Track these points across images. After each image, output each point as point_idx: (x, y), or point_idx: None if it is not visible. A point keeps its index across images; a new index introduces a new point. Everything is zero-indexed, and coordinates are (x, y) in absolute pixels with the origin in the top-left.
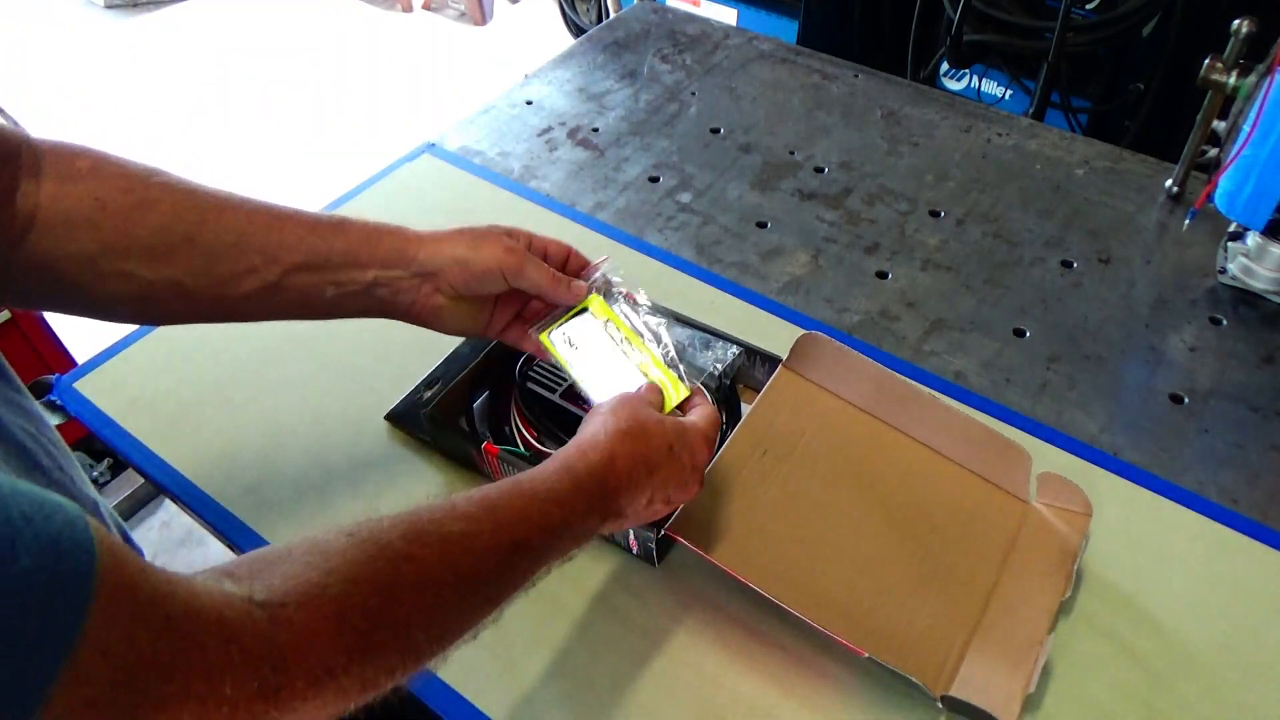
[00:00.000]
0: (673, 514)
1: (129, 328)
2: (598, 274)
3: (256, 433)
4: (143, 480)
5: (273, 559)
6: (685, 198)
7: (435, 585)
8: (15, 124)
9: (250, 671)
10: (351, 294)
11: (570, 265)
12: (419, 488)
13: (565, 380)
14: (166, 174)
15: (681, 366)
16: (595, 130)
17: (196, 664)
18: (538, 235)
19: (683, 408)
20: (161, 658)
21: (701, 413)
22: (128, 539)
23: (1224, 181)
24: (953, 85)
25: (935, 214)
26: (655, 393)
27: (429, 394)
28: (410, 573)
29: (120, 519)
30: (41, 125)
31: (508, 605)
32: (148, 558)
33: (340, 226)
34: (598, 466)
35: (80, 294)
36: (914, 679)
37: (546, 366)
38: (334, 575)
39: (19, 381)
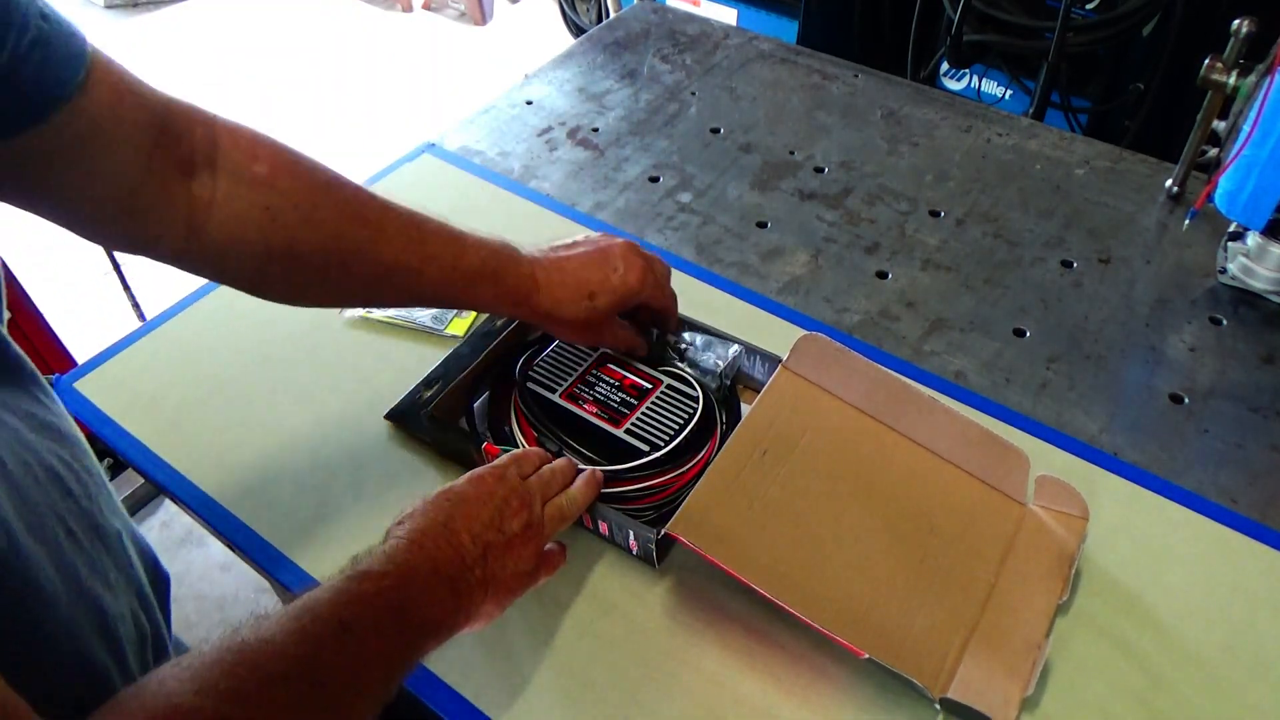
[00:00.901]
0: (673, 513)
1: (128, 327)
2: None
3: (256, 432)
4: (143, 480)
5: (151, 688)
6: (685, 198)
7: (282, 684)
8: None
9: None
10: (469, 306)
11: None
12: (419, 488)
13: (566, 380)
14: (337, 186)
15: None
16: (595, 130)
17: None
18: (661, 278)
19: None
20: None
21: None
22: (157, 565)
23: (1224, 181)
24: (953, 85)
25: (935, 214)
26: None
27: (429, 394)
28: (251, 681)
29: (152, 547)
30: None
31: (388, 693)
32: None
33: (479, 277)
34: (390, 548)
35: (244, 282)
36: (914, 680)
37: (546, 366)
38: (182, 697)
39: (59, 404)
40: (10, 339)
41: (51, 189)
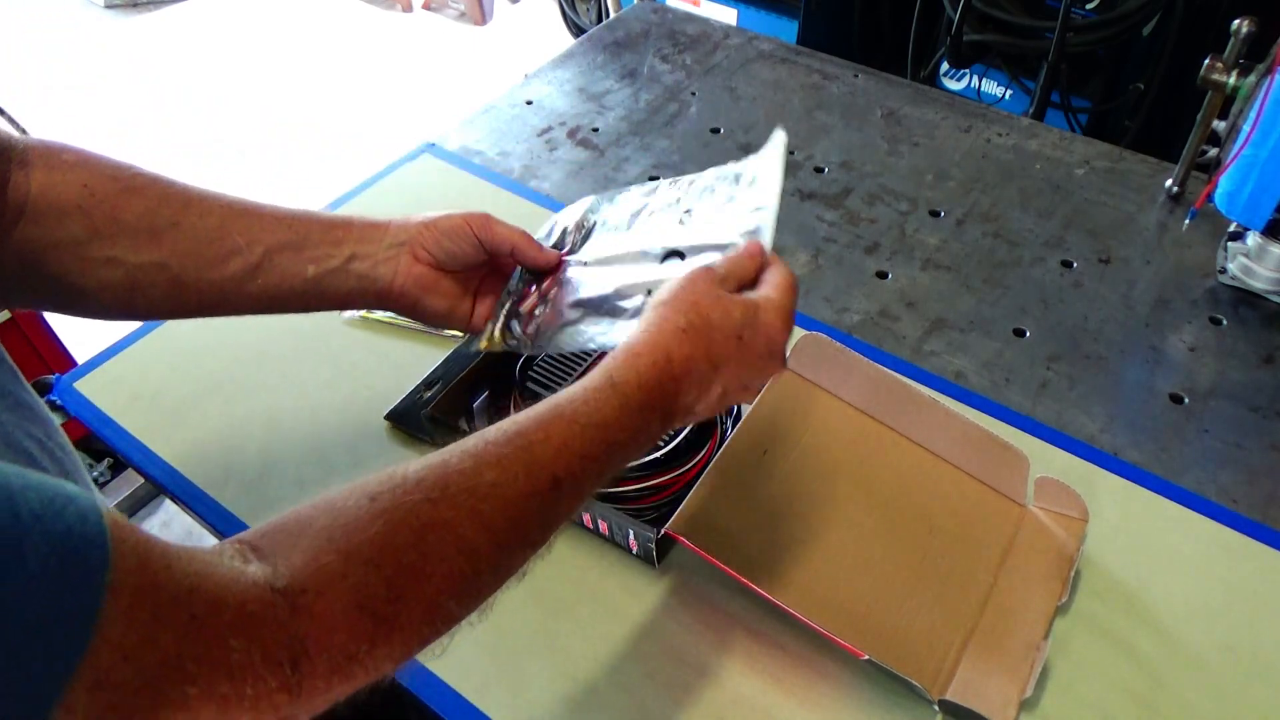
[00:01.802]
0: (673, 513)
1: (129, 327)
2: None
3: (256, 432)
4: (143, 480)
5: (296, 530)
6: None
7: (468, 549)
8: (15, 123)
9: (272, 668)
10: (331, 272)
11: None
12: None
13: (566, 380)
14: (146, 170)
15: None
16: (595, 130)
17: (220, 664)
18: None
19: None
20: (185, 659)
21: (774, 282)
22: None
23: (1224, 181)
24: (953, 85)
25: (935, 214)
26: (731, 264)
27: (429, 394)
28: (437, 542)
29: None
30: (42, 125)
31: (556, 538)
32: None
33: (313, 214)
34: (649, 376)
35: (69, 283)
36: (914, 682)
37: (547, 366)
38: (354, 559)
39: (27, 385)
40: None
41: None
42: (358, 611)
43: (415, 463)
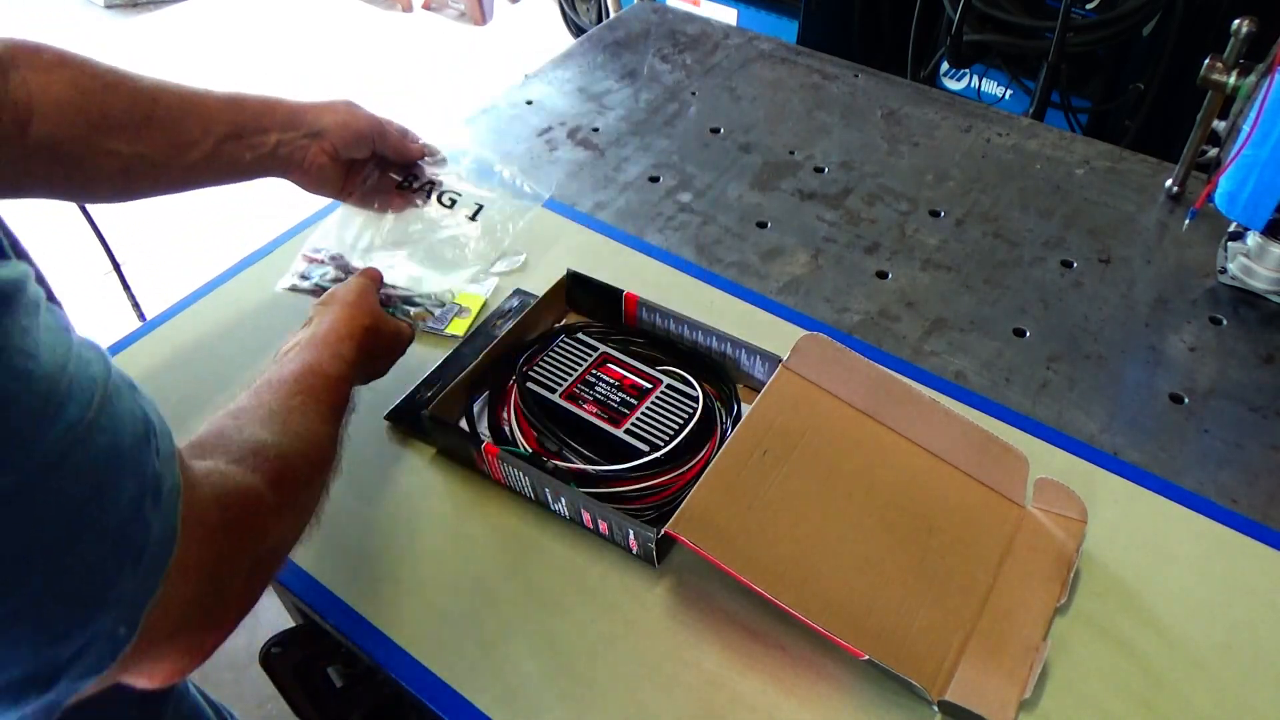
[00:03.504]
0: (673, 513)
1: (128, 327)
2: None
3: None
4: None
5: (228, 432)
6: (685, 198)
7: (310, 432)
8: None
9: (258, 508)
10: (264, 156)
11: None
12: (419, 488)
13: (566, 380)
14: (104, 64)
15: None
16: (595, 130)
17: (236, 522)
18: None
19: None
20: (227, 520)
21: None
22: None
23: (1224, 181)
24: (953, 85)
25: (935, 214)
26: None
27: (429, 394)
28: (296, 424)
29: None
30: None
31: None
32: None
33: (243, 100)
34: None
35: (79, 174)
36: (913, 682)
37: (546, 366)
38: (274, 435)
39: None
40: None
41: None
42: (285, 463)
43: (238, 401)
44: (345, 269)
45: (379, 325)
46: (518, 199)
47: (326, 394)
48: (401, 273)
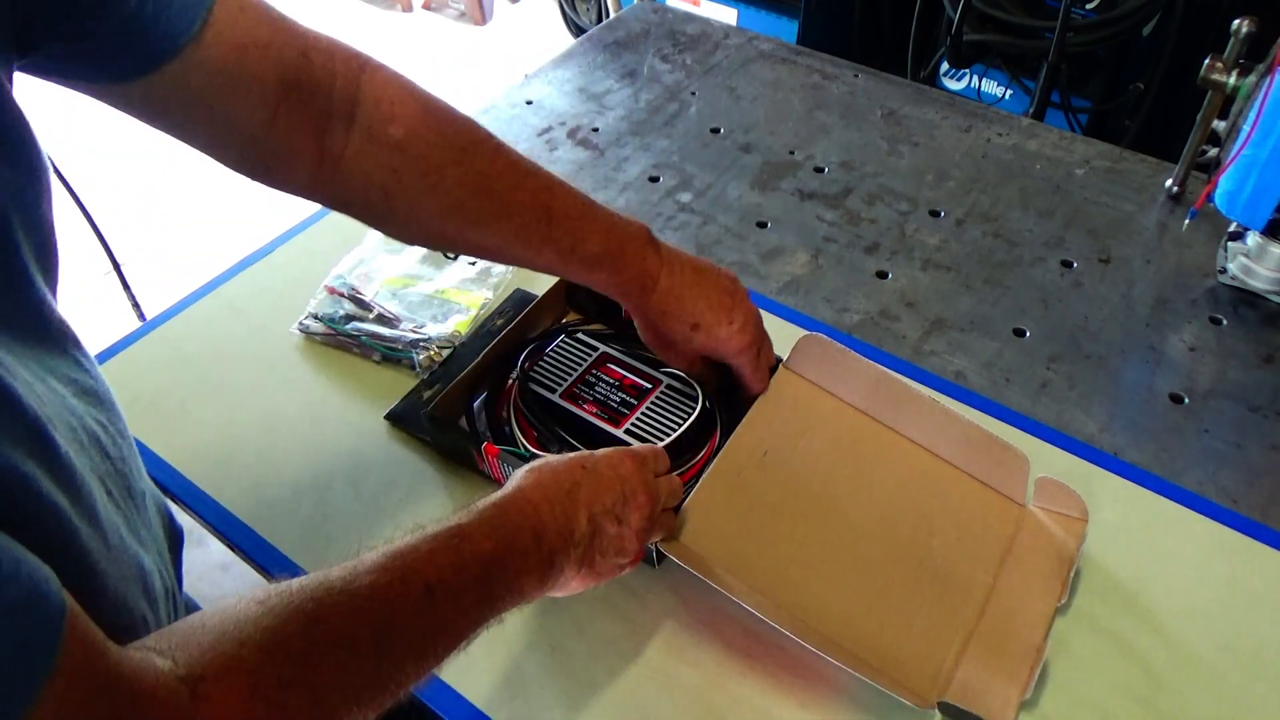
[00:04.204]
0: (674, 513)
1: (128, 327)
2: None
3: (256, 432)
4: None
5: (188, 632)
6: (685, 198)
7: (349, 643)
8: None
9: None
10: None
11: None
12: (419, 487)
13: (566, 380)
14: (472, 153)
15: None
16: (595, 130)
17: None
18: (763, 358)
19: None
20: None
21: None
22: (173, 521)
23: (1224, 181)
24: (953, 85)
25: (935, 214)
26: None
27: (429, 394)
28: (322, 635)
29: (167, 503)
30: (41, 125)
31: (446, 659)
32: None
33: (596, 264)
34: (505, 503)
35: (366, 217)
36: (903, 699)
37: (547, 366)
38: (248, 647)
39: (96, 368)
40: (54, 304)
41: (179, 128)
42: (251, 696)
43: (298, 578)
44: (361, 304)
45: (583, 463)
46: None
47: (421, 558)
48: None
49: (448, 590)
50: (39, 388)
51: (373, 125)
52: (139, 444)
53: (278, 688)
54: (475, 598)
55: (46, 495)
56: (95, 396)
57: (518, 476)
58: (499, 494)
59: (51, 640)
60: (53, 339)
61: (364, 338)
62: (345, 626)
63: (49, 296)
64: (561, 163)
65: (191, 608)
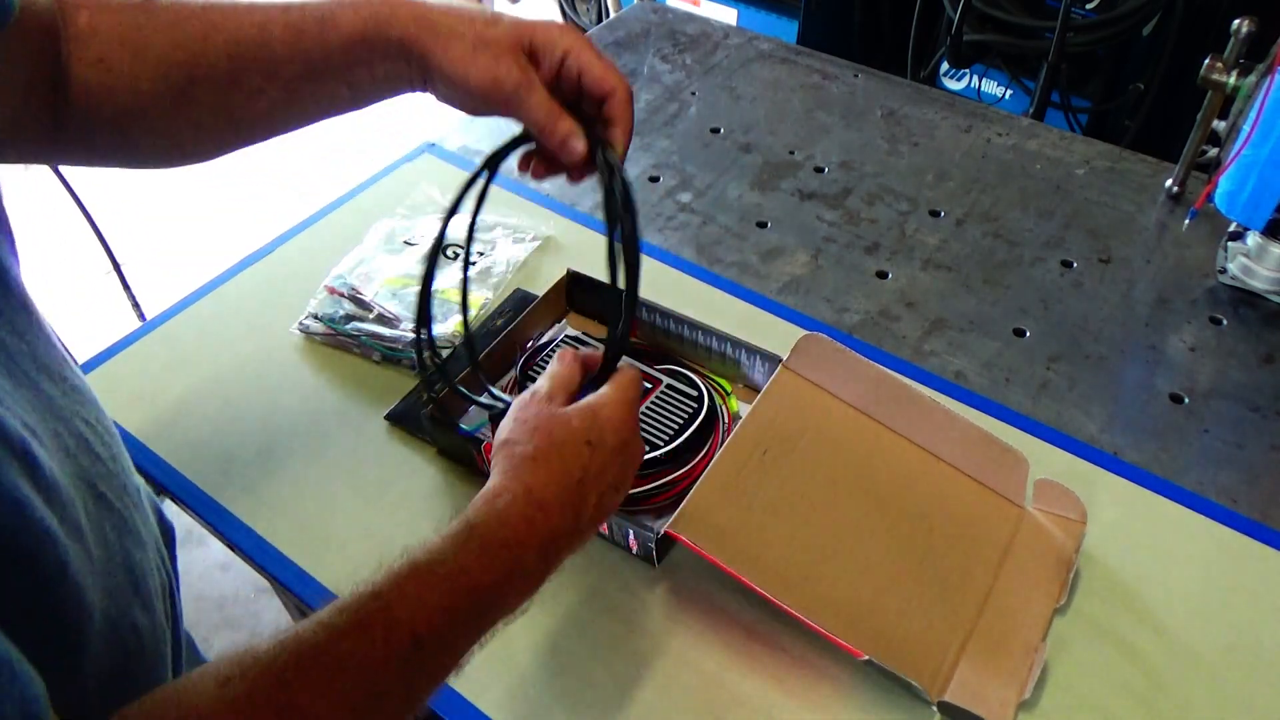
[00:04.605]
0: (673, 513)
1: (128, 327)
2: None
3: (256, 432)
4: (142, 480)
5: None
6: (685, 198)
7: None
8: None
9: None
10: (366, 88)
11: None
12: (419, 488)
13: None
14: (156, 5)
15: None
16: None
17: None
18: (588, 50)
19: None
20: None
21: (615, 382)
22: (163, 517)
23: (1224, 181)
24: (953, 85)
25: (935, 214)
26: (553, 381)
27: (429, 394)
28: None
29: (157, 500)
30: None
31: (435, 693)
32: None
33: (331, 22)
34: (509, 512)
35: (134, 151)
36: (913, 682)
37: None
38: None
39: (76, 369)
40: (17, 272)
41: None
42: None
43: (267, 639)
44: (361, 304)
45: (551, 439)
46: (517, 244)
47: (408, 605)
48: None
49: (438, 640)
50: (26, 394)
51: (71, 33)
52: (138, 447)
53: None
54: (469, 637)
55: (40, 520)
56: (80, 393)
57: (518, 458)
58: (501, 494)
59: None
60: (40, 330)
61: (364, 338)
62: (323, 712)
63: (13, 265)
64: None
65: (191, 646)
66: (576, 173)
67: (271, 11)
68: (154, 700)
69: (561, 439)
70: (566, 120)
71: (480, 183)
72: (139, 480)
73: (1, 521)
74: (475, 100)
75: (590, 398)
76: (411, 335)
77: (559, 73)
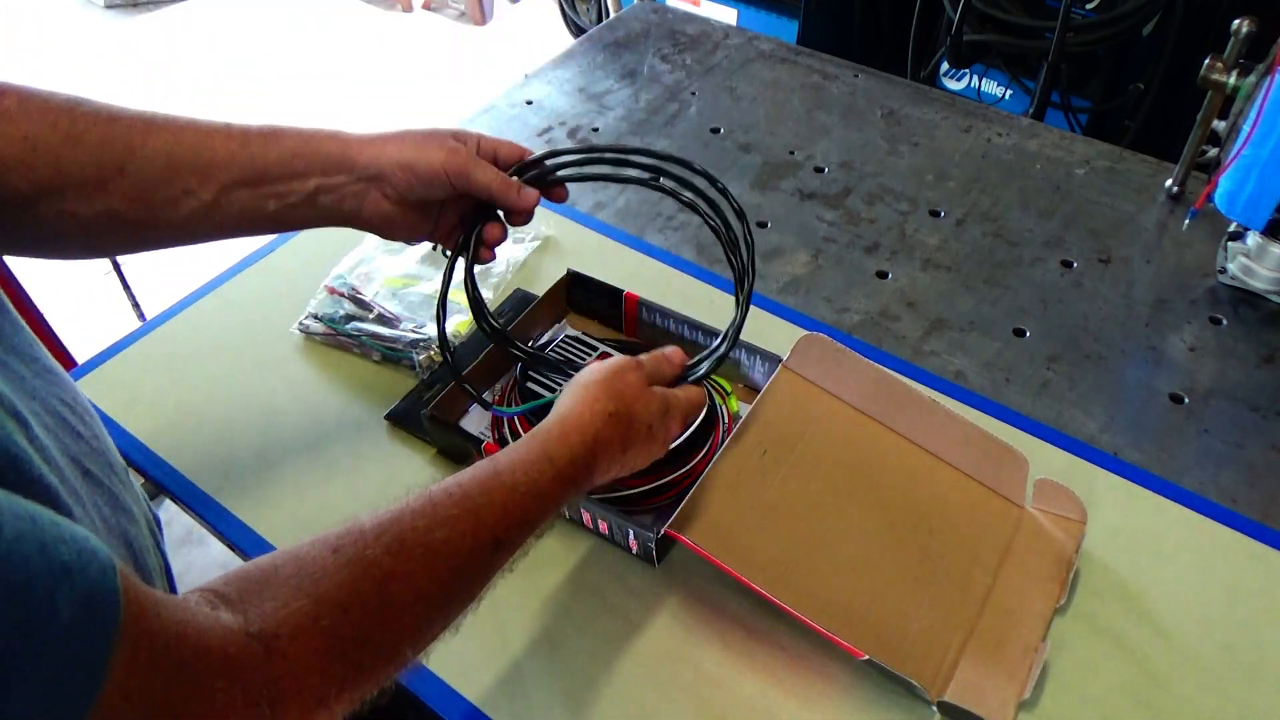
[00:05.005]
0: (673, 513)
1: (128, 327)
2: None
3: (256, 433)
4: (143, 480)
5: (261, 579)
6: (685, 197)
7: (424, 600)
8: None
9: (252, 709)
10: (294, 205)
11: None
12: (419, 488)
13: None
14: (91, 102)
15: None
16: (595, 130)
17: (204, 706)
18: (488, 137)
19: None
20: (175, 701)
21: (690, 390)
22: (150, 505)
23: (1224, 181)
24: (953, 85)
25: (935, 214)
26: (656, 362)
27: (429, 394)
28: (398, 591)
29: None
30: None
31: (501, 577)
32: None
33: (274, 136)
34: (580, 452)
35: (25, 234)
36: (913, 681)
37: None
38: (324, 604)
39: (46, 351)
40: None
41: None
42: (329, 655)
43: (370, 516)
44: (361, 304)
45: (631, 410)
46: (516, 244)
47: (494, 512)
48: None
49: (512, 545)
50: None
51: None
52: (139, 447)
53: (356, 645)
54: (524, 543)
55: (41, 478)
56: (55, 375)
57: (599, 408)
58: (578, 432)
59: (112, 600)
60: (5, 312)
61: (364, 338)
62: (420, 583)
63: None
64: None
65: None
66: (521, 218)
67: (216, 124)
68: (271, 558)
69: (638, 414)
70: (512, 179)
71: (461, 264)
72: (123, 461)
73: (4, 477)
74: (423, 186)
75: (672, 391)
76: (411, 336)
77: (478, 152)
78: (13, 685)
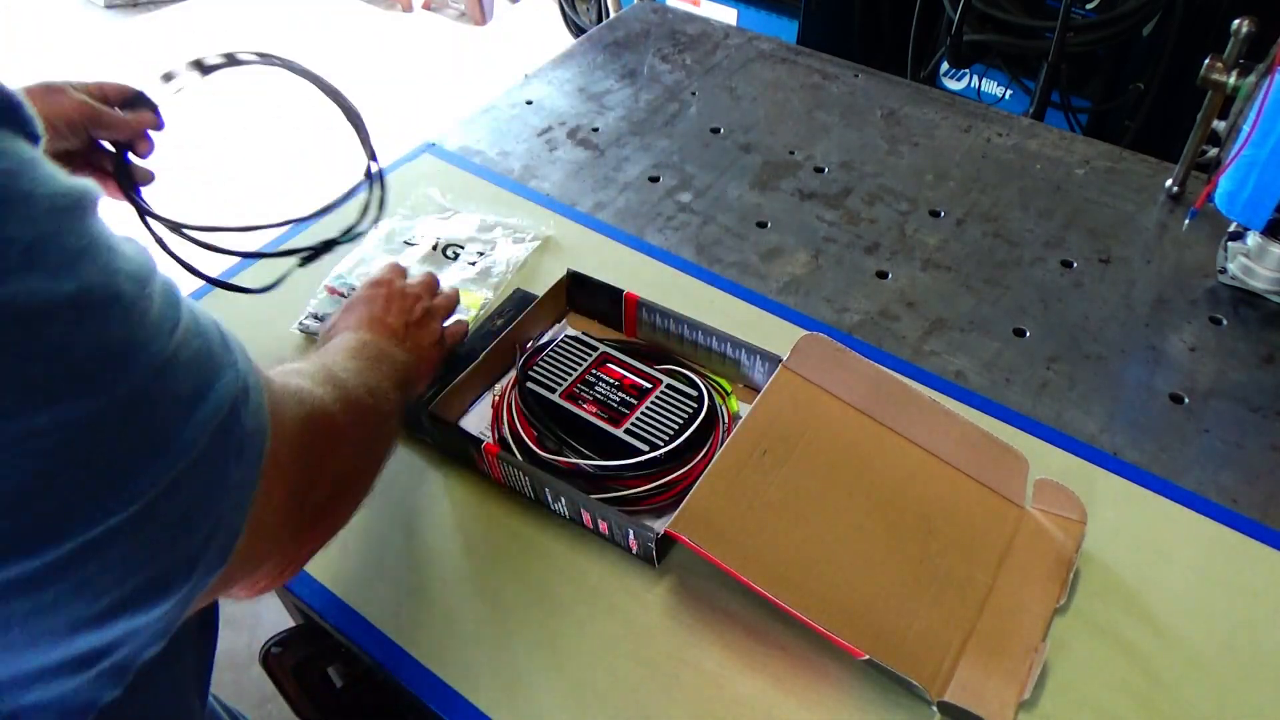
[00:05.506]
0: (673, 513)
1: None
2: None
3: None
4: None
5: (292, 367)
6: (685, 198)
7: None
8: None
9: (331, 421)
10: None
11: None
12: (419, 488)
13: (566, 380)
14: None
15: None
16: (595, 130)
17: (313, 426)
18: (86, 83)
19: None
20: (306, 424)
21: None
22: None
23: (1224, 181)
24: (953, 85)
25: (935, 214)
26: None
27: (429, 394)
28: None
29: None
30: None
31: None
32: None
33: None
34: (362, 317)
35: None
36: (913, 681)
37: (546, 366)
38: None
39: None
40: None
41: None
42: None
43: (311, 365)
44: None
45: (377, 280)
46: (517, 244)
47: (377, 356)
48: None
49: (383, 393)
50: None
51: None
52: None
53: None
54: (389, 370)
55: None
56: None
57: (338, 328)
58: (345, 338)
59: (263, 411)
60: None
61: None
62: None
63: None
64: (561, 163)
65: None
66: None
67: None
68: (298, 371)
69: (350, 307)
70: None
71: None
72: None
73: None
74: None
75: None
76: None
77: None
78: (229, 470)
